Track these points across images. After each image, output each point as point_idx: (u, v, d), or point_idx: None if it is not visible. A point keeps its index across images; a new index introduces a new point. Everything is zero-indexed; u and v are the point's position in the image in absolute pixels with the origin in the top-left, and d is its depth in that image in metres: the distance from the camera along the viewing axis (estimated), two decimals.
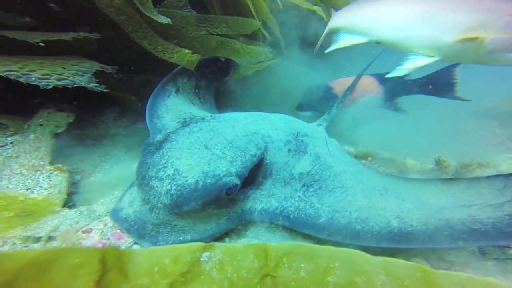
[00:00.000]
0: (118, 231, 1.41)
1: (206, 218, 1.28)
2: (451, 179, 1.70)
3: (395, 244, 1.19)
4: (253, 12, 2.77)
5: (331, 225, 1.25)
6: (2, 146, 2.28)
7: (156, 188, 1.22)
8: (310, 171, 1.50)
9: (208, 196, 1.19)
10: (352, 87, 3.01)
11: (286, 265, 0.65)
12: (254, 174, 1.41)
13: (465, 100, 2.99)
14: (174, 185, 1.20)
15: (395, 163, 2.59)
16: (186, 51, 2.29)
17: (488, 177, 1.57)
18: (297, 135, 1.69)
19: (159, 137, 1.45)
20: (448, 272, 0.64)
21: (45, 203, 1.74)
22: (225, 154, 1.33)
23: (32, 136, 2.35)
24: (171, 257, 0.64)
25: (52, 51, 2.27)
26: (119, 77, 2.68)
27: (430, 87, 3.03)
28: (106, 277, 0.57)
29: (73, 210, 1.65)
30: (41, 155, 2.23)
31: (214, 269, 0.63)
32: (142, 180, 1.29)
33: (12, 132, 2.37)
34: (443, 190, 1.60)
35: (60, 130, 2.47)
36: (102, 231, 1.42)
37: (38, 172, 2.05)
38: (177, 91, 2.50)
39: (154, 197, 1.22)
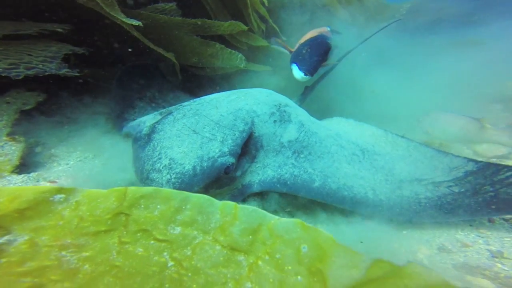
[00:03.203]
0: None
1: None
2: (423, 145, 1.67)
3: (367, 211, 1.28)
4: (249, 5, 2.66)
5: (324, 189, 1.25)
6: None
7: (157, 180, 1.11)
8: (297, 138, 1.43)
9: (208, 179, 1.12)
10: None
11: (142, 206, 0.66)
12: (247, 148, 1.32)
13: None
14: (173, 174, 1.09)
15: None
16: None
17: (454, 155, 1.57)
18: (279, 106, 1.57)
19: (145, 129, 1.30)
20: (223, 202, 0.70)
21: None
22: (215, 135, 1.22)
23: None
24: (10, 196, 0.61)
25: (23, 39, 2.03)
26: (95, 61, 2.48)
27: None
28: None
29: (21, 176, 1.57)
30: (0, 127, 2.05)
31: (68, 209, 0.62)
32: (141, 174, 1.17)
33: None
34: (411, 155, 1.61)
35: (28, 107, 2.28)
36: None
37: None
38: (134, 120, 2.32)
39: None
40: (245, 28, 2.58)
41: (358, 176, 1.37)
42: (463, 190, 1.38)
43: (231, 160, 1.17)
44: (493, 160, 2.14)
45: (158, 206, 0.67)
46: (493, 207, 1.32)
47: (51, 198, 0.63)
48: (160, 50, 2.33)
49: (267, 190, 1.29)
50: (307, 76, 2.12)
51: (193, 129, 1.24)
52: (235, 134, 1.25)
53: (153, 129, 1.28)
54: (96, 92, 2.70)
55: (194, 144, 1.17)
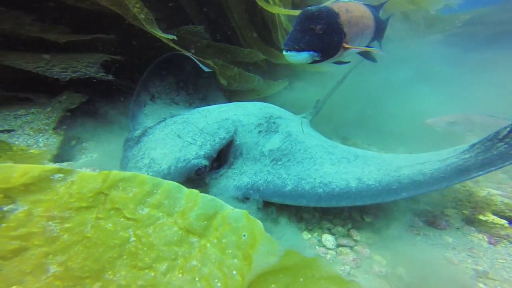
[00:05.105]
0: None
1: None
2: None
3: (351, 202, 1.13)
4: (277, 24, 2.70)
5: (296, 191, 1.18)
6: (25, 114, 2.42)
7: None
8: (280, 147, 1.40)
9: (179, 178, 1.16)
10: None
11: (120, 187, 0.74)
12: (226, 155, 1.35)
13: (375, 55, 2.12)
14: (151, 172, 1.15)
15: None
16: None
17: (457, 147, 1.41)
18: (270, 118, 1.56)
19: (137, 132, 1.41)
20: (190, 190, 0.70)
21: (39, 156, 1.89)
22: (195, 140, 1.27)
23: (49, 109, 2.49)
24: (21, 172, 0.72)
25: (81, 50, 2.38)
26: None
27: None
28: None
29: (56, 164, 1.79)
30: (49, 122, 2.37)
31: (63, 186, 0.72)
32: (124, 171, 1.29)
33: (37, 105, 2.50)
34: (412, 156, 1.47)
35: (73, 106, 2.60)
36: None
37: (41, 134, 2.20)
38: (152, 97, 2.31)
39: None
40: (263, 57, 2.62)
41: (341, 172, 1.24)
42: (473, 154, 1.21)
43: (204, 162, 1.21)
44: None
45: (134, 189, 0.74)
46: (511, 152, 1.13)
47: (51, 177, 0.74)
48: (202, 61, 2.41)
49: (241, 196, 1.26)
50: (291, 52, 1.45)
51: (178, 134, 1.29)
52: (214, 140, 1.29)
53: (144, 132, 1.37)
54: (129, 97, 2.95)
55: (175, 147, 1.23)
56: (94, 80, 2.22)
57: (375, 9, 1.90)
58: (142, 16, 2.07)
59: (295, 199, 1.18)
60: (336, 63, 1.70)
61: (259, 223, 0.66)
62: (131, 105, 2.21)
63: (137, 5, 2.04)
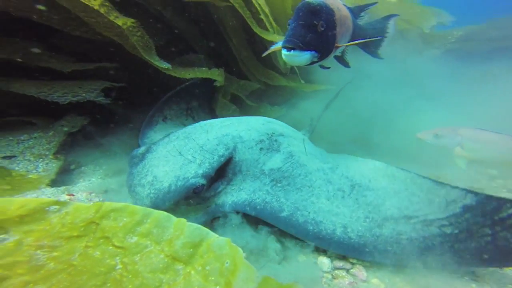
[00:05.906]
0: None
1: (186, 214, 1.27)
2: (422, 177, 1.47)
3: (331, 248, 1.22)
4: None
5: (291, 220, 1.23)
6: (28, 139, 2.49)
7: (140, 193, 1.25)
8: (280, 167, 1.40)
9: (178, 196, 1.21)
10: None
11: (112, 217, 0.77)
12: (224, 171, 1.36)
13: (379, 58, 2.11)
14: (153, 189, 1.22)
15: None
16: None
17: (451, 186, 1.37)
18: (272, 135, 1.56)
19: (142, 149, 1.46)
20: (179, 219, 0.73)
21: (37, 181, 1.92)
22: (195, 158, 1.30)
23: (51, 133, 2.56)
24: (18, 205, 0.76)
25: (84, 77, 2.52)
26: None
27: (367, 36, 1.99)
28: None
29: (53, 189, 1.82)
30: (50, 147, 2.43)
31: (57, 217, 0.75)
32: (130, 188, 1.33)
33: (40, 130, 2.57)
34: (407, 188, 1.44)
35: (75, 130, 2.66)
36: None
37: (41, 159, 2.24)
38: (165, 118, 2.45)
39: (139, 201, 1.24)
40: (257, 86, 2.74)
41: (332, 213, 1.29)
42: (456, 231, 1.20)
43: (202, 181, 1.25)
44: None
45: (124, 219, 0.78)
46: (486, 256, 1.11)
47: (47, 208, 0.78)
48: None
49: (238, 211, 1.31)
50: (294, 52, 1.24)
51: (180, 151, 1.34)
52: (213, 158, 1.33)
53: (148, 149, 1.43)
54: (131, 123, 3.05)
55: (176, 165, 1.28)
56: (96, 103, 2.32)
57: (352, 12, 1.84)
58: (141, 44, 2.20)
59: (287, 227, 1.24)
60: (321, 66, 1.69)
61: (240, 250, 0.68)
62: (143, 125, 2.30)
63: (138, 34, 2.18)
